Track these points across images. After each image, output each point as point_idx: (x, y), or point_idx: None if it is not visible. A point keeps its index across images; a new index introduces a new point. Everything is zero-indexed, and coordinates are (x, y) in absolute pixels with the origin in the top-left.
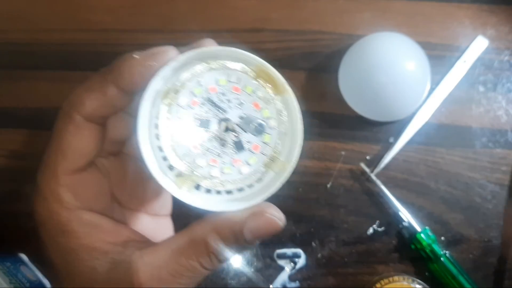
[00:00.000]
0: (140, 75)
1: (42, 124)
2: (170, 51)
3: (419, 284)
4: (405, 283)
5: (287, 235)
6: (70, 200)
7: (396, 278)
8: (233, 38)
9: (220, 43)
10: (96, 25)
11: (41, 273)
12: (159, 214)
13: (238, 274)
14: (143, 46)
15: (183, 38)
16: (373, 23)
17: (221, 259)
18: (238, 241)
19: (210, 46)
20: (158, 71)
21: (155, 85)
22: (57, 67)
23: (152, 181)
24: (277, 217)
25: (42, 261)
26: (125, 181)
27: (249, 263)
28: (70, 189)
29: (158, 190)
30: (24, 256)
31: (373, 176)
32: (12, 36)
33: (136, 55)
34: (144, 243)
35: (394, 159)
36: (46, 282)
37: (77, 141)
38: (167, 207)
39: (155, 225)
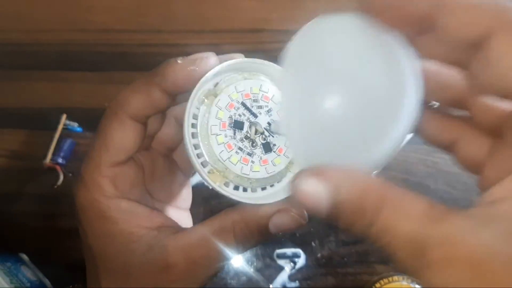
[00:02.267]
0: (183, 79)
1: (42, 124)
2: (211, 57)
3: (419, 284)
4: (404, 283)
5: (287, 235)
6: (110, 190)
7: (395, 277)
8: (233, 39)
9: (220, 43)
10: (96, 26)
11: (41, 273)
12: (181, 207)
13: (238, 273)
14: (143, 46)
15: (183, 39)
16: None
17: (245, 247)
18: (262, 233)
19: (246, 59)
20: (204, 76)
21: (201, 88)
22: (57, 67)
23: (181, 175)
24: (301, 216)
25: (42, 261)
26: (155, 174)
27: (249, 263)
28: (110, 180)
29: (182, 184)
30: (24, 256)
31: (372, 176)
32: (13, 36)
33: (180, 60)
34: (176, 228)
35: (393, 159)
36: (46, 281)
37: (121, 137)
38: (188, 202)
39: (178, 216)
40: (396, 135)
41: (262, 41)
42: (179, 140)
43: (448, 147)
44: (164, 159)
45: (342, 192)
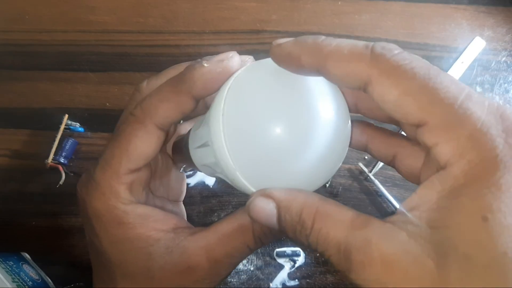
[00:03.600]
0: (212, 83)
1: (44, 124)
2: (235, 56)
3: None
4: None
5: None
6: (126, 196)
7: None
8: (234, 39)
9: (221, 44)
10: (97, 26)
11: (43, 271)
12: (178, 200)
13: (238, 272)
14: (145, 47)
15: (184, 39)
16: (371, 24)
17: (265, 242)
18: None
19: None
20: (231, 77)
21: (228, 87)
22: (59, 68)
23: (175, 169)
24: None
25: (44, 259)
26: (156, 171)
27: (249, 261)
28: (127, 187)
29: (178, 178)
30: (26, 255)
31: (371, 175)
32: (14, 36)
33: (206, 64)
34: (191, 228)
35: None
36: (48, 280)
37: (145, 146)
38: (183, 194)
39: (177, 210)
40: (334, 157)
41: (262, 42)
42: (172, 134)
43: (391, 162)
44: (161, 155)
45: (284, 208)
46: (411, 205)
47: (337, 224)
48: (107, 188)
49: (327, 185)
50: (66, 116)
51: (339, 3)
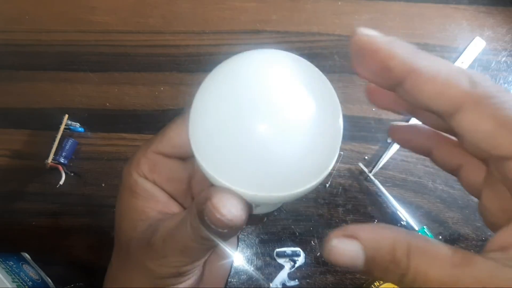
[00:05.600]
0: None
1: (45, 124)
2: None
3: None
4: None
5: (287, 234)
6: (144, 170)
7: None
8: (234, 40)
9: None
10: (98, 27)
11: (43, 271)
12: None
13: (238, 272)
14: (145, 47)
15: (184, 40)
16: (371, 24)
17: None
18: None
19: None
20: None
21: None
22: (59, 68)
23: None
24: None
25: (44, 259)
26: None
27: (249, 261)
28: (149, 163)
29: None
30: (26, 255)
31: (371, 175)
32: (15, 37)
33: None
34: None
35: (392, 158)
36: (48, 280)
37: (175, 135)
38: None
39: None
40: (319, 154)
41: (262, 42)
42: None
43: (454, 172)
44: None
45: (373, 250)
46: (502, 244)
47: (436, 261)
48: (135, 159)
49: (327, 185)
50: (66, 116)
51: (339, 3)
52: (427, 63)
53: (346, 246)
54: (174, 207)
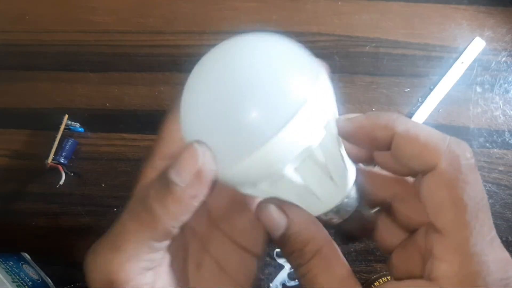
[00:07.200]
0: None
1: (45, 124)
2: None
3: None
4: None
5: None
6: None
7: None
8: None
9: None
10: (98, 27)
11: (43, 271)
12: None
13: None
14: (145, 47)
15: (184, 40)
16: (371, 24)
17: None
18: None
19: None
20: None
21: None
22: (59, 68)
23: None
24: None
25: (44, 260)
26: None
27: None
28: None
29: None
30: (26, 255)
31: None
32: (15, 37)
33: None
34: None
35: None
36: (48, 280)
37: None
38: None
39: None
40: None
41: None
42: None
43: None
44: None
45: (293, 233)
46: None
47: (330, 273)
48: (148, 165)
49: None
50: (66, 116)
51: (339, 3)
52: (406, 126)
53: (276, 215)
54: None
